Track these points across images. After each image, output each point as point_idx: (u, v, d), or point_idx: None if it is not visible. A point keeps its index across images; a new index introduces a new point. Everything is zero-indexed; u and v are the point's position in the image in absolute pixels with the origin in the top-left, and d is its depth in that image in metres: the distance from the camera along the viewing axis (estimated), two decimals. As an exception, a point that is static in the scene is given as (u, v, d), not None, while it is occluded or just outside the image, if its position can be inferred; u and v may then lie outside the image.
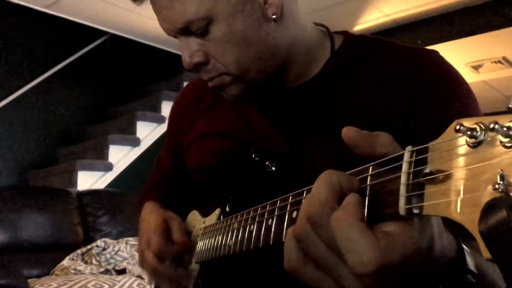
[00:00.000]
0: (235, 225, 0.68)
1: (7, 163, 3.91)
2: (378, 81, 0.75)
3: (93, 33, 4.27)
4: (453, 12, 3.79)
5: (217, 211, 0.82)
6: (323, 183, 0.43)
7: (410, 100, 0.71)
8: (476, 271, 0.47)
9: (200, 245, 0.83)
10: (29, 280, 2.41)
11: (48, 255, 2.83)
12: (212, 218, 0.83)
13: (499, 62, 4.24)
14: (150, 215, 0.90)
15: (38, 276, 2.65)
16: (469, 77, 4.52)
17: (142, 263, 0.86)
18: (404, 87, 0.72)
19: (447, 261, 0.45)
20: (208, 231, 0.81)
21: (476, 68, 4.41)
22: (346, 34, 0.84)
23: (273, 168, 0.73)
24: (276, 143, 0.78)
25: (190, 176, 0.93)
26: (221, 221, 0.77)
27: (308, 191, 0.50)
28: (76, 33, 4.27)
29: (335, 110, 0.76)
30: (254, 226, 0.61)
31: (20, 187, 3.61)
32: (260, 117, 0.82)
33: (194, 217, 0.92)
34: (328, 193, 0.42)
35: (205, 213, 0.87)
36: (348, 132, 0.45)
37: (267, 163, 0.73)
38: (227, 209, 0.79)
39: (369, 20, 4.02)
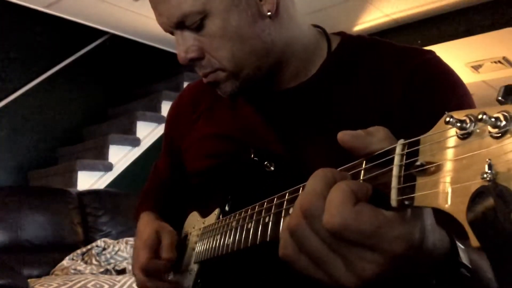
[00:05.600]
0: (233, 224, 0.69)
1: (7, 163, 3.91)
2: (375, 82, 0.75)
3: (93, 33, 4.27)
4: (453, 12, 3.79)
5: (217, 211, 0.82)
6: (318, 178, 0.44)
7: (407, 100, 0.71)
8: (470, 266, 0.47)
9: (199, 245, 0.83)
10: (29, 280, 2.40)
11: (48, 255, 2.83)
12: (212, 218, 0.83)
13: (499, 62, 4.24)
14: (145, 227, 0.92)
15: (38, 276, 2.65)
16: (469, 77, 4.52)
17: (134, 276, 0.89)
18: (400, 87, 0.72)
19: (440, 255, 0.45)
20: (207, 231, 0.81)
21: (476, 68, 4.41)
22: (343, 35, 0.84)
23: (272, 168, 0.73)
24: (274, 144, 0.78)
25: (189, 178, 0.93)
26: (219, 220, 0.78)
27: (304, 187, 0.51)
28: (76, 33, 4.27)
29: (332, 111, 0.76)
30: (251, 224, 0.61)
31: (20, 187, 3.61)
32: (257, 118, 0.82)
33: (194, 218, 0.92)
34: (322, 186, 0.43)
35: (204, 214, 0.87)
36: (344, 138, 0.45)
37: (265, 163, 0.74)
38: (226, 208, 0.79)
39: (369, 20, 4.02)
